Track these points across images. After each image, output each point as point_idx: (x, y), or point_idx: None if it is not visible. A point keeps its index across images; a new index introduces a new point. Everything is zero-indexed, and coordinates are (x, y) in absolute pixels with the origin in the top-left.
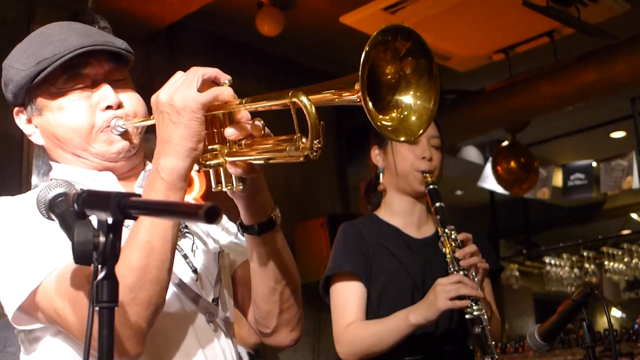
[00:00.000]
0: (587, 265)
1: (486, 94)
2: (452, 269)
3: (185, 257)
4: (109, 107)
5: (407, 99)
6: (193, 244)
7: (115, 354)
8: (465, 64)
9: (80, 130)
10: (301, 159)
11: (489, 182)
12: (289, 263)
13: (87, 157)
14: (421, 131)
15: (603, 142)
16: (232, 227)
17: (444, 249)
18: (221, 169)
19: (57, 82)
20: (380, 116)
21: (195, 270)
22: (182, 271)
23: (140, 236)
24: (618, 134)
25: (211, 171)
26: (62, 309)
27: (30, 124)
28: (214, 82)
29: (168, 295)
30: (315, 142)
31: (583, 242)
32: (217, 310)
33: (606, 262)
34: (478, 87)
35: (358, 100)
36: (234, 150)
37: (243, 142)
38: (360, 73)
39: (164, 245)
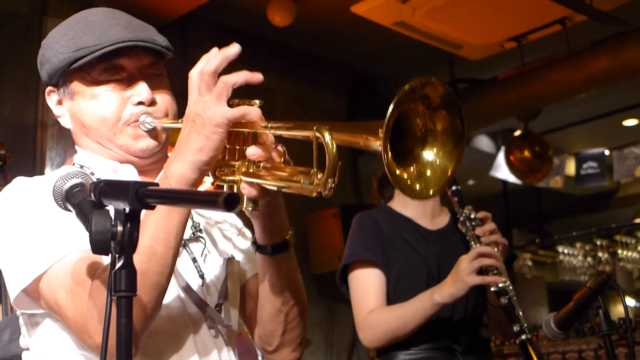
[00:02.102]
0: (600, 254)
1: (498, 82)
2: (473, 246)
3: (194, 260)
4: (140, 103)
5: (429, 155)
6: (204, 248)
7: (108, 354)
8: (477, 53)
9: (108, 121)
10: (314, 194)
11: (502, 171)
12: (298, 285)
13: (111, 147)
14: (432, 191)
15: (616, 130)
16: (248, 232)
17: (463, 229)
18: (235, 186)
19: (93, 70)
20: (399, 168)
21: (202, 276)
22: (188, 275)
23: (144, 240)
24: (631, 122)
25: (225, 187)
26: (64, 301)
27: (60, 106)
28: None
29: (171, 298)
30: (329, 180)
31: (596, 231)
32: (220, 317)
33: (619, 251)
34: (490, 76)
35: (379, 148)
36: (252, 170)
37: (262, 164)
38: (385, 122)
39: (167, 252)
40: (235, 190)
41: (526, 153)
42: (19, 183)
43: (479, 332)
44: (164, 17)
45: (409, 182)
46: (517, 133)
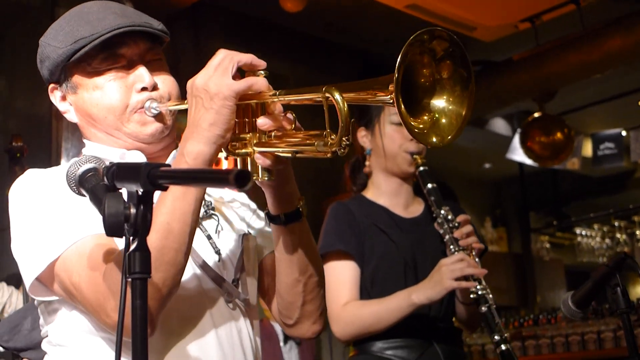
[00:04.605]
0: (618, 235)
1: (513, 63)
2: (452, 249)
3: (209, 237)
4: (144, 89)
5: (440, 102)
6: (218, 224)
7: (125, 333)
8: (491, 34)
9: (114, 110)
10: (329, 154)
11: (518, 153)
12: (314, 255)
13: (120, 136)
14: (451, 136)
15: (632, 110)
16: (262, 214)
17: (441, 230)
18: (249, 159)
19: (93, 61)
20: (412, 119)
21: (218, 252)
22: (204, 251)
23: (160, 218)
24: None
25: (238, 160)
26: (79, 283)
27: (65, 102)
28: (250, 68)
29: (188, 275)
30: (344, 138)
31: (614, 212)
32: (237, 291)
33: (638, 232)
34: (504, 57)
35: (391, 101)
36: (264, 140)
37: (273, 133)
38: (395, 75)
39: (183, 229)
40: (249, 163)
41: (544, 135)
42: (30, 175)
43: (452, 322)
44: (176, 5)
45: (425, 131)
46: (537, 115)
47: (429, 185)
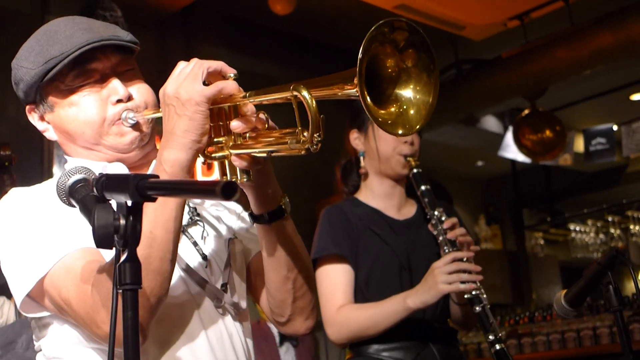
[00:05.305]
0: (612, 230)
1: (503, 61)
2: (446, 250)
3: (195, 244)
4: (119, 101)
5: (407, 92)
6: (203, 231)
7: (117, 343)
8: (480, 33)
9: (92, 124)
10: (302, 152)
11: (510, 151)
12: (300, 251)
13: (100, 149)
14: (419, 125)
15: (623, 104)
16: (246, 215)
17: (434, 232)
18: (226, 162)
19: (66, 78)
20: (380, 110)
21: (205, 257)
22: (191, 258)
23: (143, 227)
24: (638, 96)
25: (216, 163)
26: (68, 297)
27: (43, 121)
28: (220, 75)
29: (175, 282)
30: (315, 135)
31: (607, 207)
32: (225, 296)
33: (632, 226)
34: (494, 55)
35: (357, 94)
36: (239, 142)
37: (248, 135)
38: (357, 68)
39: (167, 237)
40: (227, 166)
41: (535, 131)
42: (15, 193)
43: (447, 322)
44: (167, 9)
45: (389, 121)
46: (528, 111)
47: (423, 187)
